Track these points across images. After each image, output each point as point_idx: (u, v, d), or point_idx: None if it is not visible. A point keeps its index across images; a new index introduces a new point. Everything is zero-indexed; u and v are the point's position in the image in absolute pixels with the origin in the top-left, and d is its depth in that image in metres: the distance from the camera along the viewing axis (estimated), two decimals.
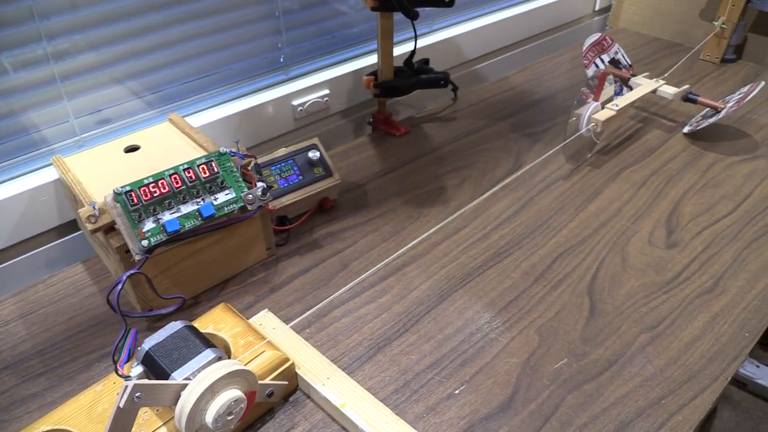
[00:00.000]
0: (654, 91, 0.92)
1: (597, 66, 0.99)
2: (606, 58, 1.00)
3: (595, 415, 0.51)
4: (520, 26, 1.21)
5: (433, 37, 1.07)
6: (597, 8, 1.38)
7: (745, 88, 0.89)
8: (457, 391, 0.53)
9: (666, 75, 0.98)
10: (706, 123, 0.86)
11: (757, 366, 1.31)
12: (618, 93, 0.94)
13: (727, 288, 0.63)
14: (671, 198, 0.77)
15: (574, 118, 0.82)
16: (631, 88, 0.94)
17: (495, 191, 0.78)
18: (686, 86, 0.92)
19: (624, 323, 0.59)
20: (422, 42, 1.04)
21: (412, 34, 0.86)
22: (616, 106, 0.83)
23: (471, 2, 1.14)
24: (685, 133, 0.90)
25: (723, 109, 0.86)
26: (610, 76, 0.88)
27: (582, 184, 0.79)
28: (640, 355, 0.56)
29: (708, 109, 0.92)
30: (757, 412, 1.27)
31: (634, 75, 0.96)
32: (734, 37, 1.10)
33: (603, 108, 0.83)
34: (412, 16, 0.80)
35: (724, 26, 1.09)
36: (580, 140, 0.82)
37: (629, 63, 1.00)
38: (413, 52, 0.89)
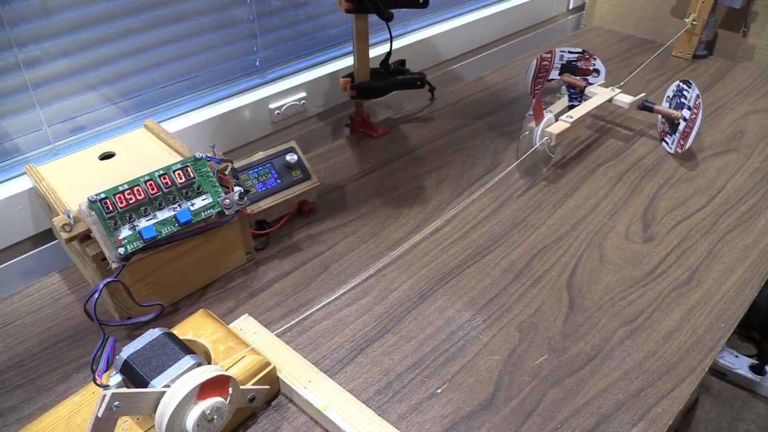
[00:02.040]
0: (610, 101, 0.90)
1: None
2: (555, 73, 0.97)
3: (576, 409, 0.51)
4: (495, 26, 1.22)
5: (408, 38, 1.07)
6: (571, 7, 1.40)
7: (691, 97, 0.84)
8: (439, 390, 0.53)
9: (631, 76, 0.99)
10: (684, 142, 0.83)
11: (736, 356, 1.33)
12: (575, 97, 0.94)
13: (702, 280, 0.64)
14: (647, 193, 0.78)
15: (527, 133, 0.79)
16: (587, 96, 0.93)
17: (473, 190, 0.79)
18: (642, 94, 0.90)
19: (603, 318, 0.60)
20: (398, 43, 1.04)
21: (388, 35, 0.87)
22: (571, 117, 0.81)
23: (446, 3, 1.14)
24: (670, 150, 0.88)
25: (679, 119, 0.86)
26: (563, 87, 0.86)
27: (559, 181, 0.80)
28: (619, 348, 0.57)
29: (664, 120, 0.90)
30: (737, 401, 1.29)
31: (594, 58, 0.95)
32: (705, 33, 1.12)
33: (557, 120, 0.81)
34: (387, 18, 0.80)
35: (695, 23, 1.11)
36: (535, 155, 0.80)
37: (581, 51, 0.96)
38: (389, 54, 0.89)
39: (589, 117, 0.89)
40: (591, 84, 0.95)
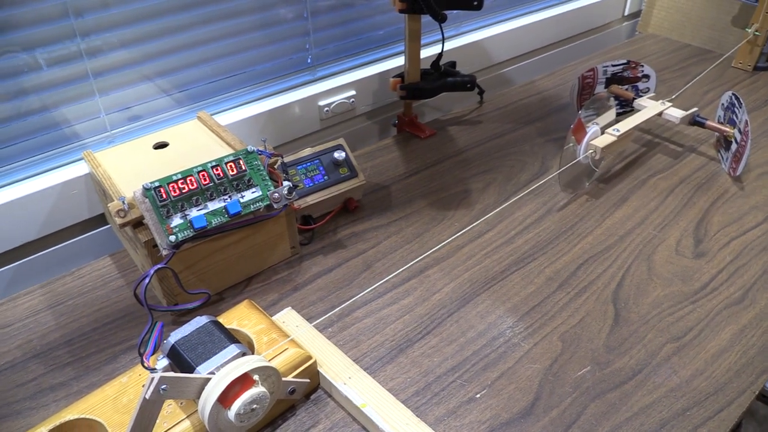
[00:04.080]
0: (660, 114, 0.86)
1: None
2: (601, 87, 0.94)
3: (618, 424, 0.50)
4: (548, 30, 1.21)
5: (460, 40, 1.07)
6: (626, 13, 1.37)
7: (741, 119, 0.80)
8: (478, 395, 0.53)
9: (687, 86, 0.96)
10: (737, 167, 0.80)
11: None
12: (624, 106, 0.91)
13: (756, 300, 0.62)
14: (700, 207, 0.75)
15: (570, 144, 0.76)
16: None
17: (520, 196, 0.78)
18: (694, 109, 0.86)
19: (649, 332, 0.59)
20: (449, 45, 1.03)
21: (440, 36, 0.86)
22: (617, 131, 0.77)
23: (499, 6, 1.13)
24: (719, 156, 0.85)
25: (732, 137, 0.82)
26: (612, 99, 0.82)
27: (608, 191, 0.79)
28: (666, 365, 0.55)
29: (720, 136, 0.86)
30: None
31: (641, 65, 0.92)
32: None
33: (603, 133, 0.78)
34: (440, 19, 0.80)
35: (757, 33, 1.07)
36: (578, 167, 0.77)
37: (625, 62, 0.93)
38: (440, 55, 0.89)
39: (636, 131, 0.85)
40: (641, 91, 0.92)
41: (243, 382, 0.44)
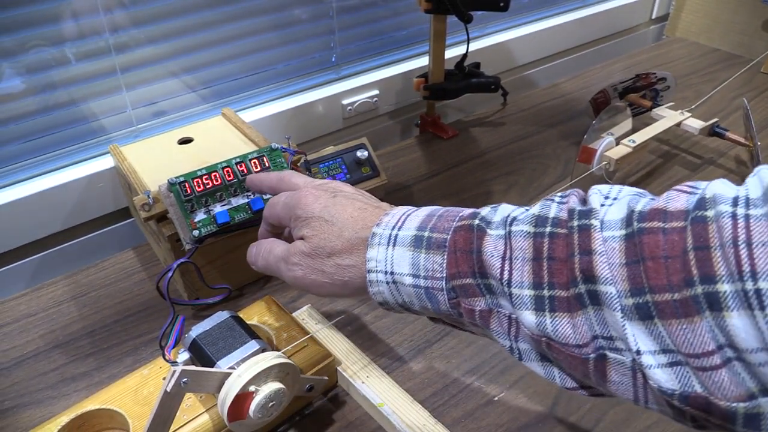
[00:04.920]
0: (678, 125, 0.83)
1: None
2: (617, 99, 0.91)
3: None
4: (574, 33, 1.20)
5: (485, 41, 1.06)
6: (654, 16, 1.36)
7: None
8: (496, 398, 0.52)
9: (714, 92, 0.95)
10: None
11: None
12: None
13: None
14: None
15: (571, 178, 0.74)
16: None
17: (542, 199, 0.77)
18: (714, 120, 0.83)
19: None
20: (474, 46, 1.03)
21: (464, 37, 0.86)
22: (633, 142, 0.75)
23: (525, 7, 1.13)
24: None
25: (752, 152, 0.79)
26: (627, 110, 0.79)
27: None
28: None
29: None
30: None
31: (652, 74, 0.90)
32: None
33: (618, 144, 0.76)
34: (466, 20, 0.80)
35: None
36: (591, 179, 0.74)
37: (634, 76, 0.92)
38: (465, 56, 0.89)
39: (653, 141, 0.82)
40: (660, 99, 0.90)
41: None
